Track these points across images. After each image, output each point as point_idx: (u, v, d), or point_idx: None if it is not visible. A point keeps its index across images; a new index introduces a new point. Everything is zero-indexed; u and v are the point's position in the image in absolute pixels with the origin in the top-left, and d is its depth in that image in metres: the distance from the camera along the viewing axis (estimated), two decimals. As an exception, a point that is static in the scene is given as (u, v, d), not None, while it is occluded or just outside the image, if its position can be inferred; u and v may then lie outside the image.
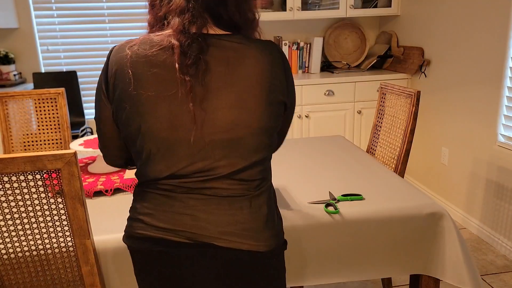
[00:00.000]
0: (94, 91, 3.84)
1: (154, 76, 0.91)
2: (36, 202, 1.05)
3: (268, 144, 0.99)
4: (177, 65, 0.90)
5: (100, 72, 3.98)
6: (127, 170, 1.69)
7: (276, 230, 1.01)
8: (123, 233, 1.07)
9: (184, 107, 0.91)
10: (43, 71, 3.71)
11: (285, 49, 3.62)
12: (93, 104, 3.87)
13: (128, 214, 1.20)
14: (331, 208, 1.34)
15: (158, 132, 0.92)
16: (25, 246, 1.10)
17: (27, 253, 1.10)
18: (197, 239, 0.95)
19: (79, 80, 3.73)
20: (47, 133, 2.32)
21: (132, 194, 1.52)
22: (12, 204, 1.04)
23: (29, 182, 1.03)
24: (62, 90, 2.28)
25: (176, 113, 0.91)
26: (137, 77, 0.91)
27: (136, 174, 1.01)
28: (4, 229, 1.07)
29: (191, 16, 0.93)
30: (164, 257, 0.98)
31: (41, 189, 1.04)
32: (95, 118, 1.04)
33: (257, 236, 0.97)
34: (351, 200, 1.40)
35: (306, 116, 3.34)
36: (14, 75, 3.49)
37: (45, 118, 2.30)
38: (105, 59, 1.00)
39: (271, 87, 0.95)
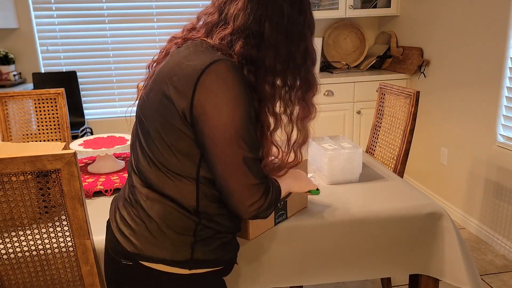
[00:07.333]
0: (94, 91, 3.84)
1: None
2: (36, 202, 1.06)
3: (164, 160, 0.92)
4: None
5: (99, 72, 3.95)
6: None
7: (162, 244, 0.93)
8: None
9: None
10: (43, 71, 3.71)
11: (284, 49, 3.62)
12: (93, 104, 3.86)
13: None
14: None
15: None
16: (25, 246, 1.10)
17: (27, 253, 1.10)
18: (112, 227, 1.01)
19: (79, 80, 3.73)
20: (47, 133, 2.32)
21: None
22: (12, 204, 1.04)
23: (29, 182, 1.03)
24: (62, 90, 2.28)
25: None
26: None
27: None
28: (4, 229, 1.07)
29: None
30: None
31: (41, 189, 1.04)
32: None
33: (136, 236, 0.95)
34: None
35: (305, 116, 3.34)
36: (14, 75, 3.49)
37: (45, 118, 2.30)
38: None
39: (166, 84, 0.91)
